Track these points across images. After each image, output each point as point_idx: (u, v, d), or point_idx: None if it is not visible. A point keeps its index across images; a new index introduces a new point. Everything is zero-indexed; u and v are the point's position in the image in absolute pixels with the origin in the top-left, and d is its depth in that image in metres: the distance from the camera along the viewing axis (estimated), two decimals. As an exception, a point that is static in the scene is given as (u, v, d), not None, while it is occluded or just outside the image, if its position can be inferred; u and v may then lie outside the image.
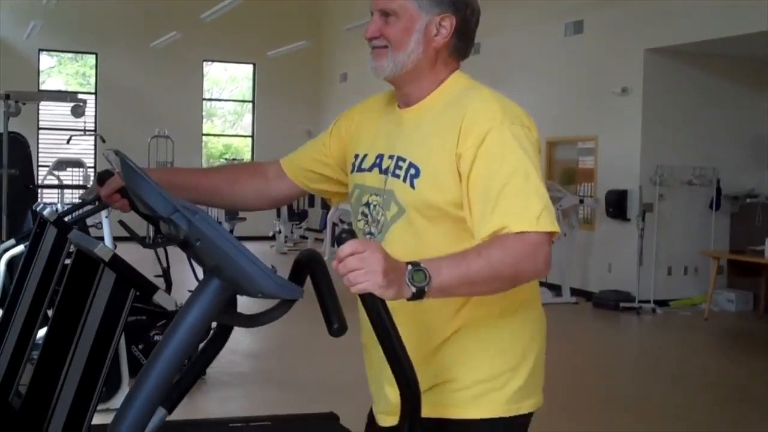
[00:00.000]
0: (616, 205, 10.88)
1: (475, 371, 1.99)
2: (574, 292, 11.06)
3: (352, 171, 2.17)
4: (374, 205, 2.07)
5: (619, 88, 10.82)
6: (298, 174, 2.33)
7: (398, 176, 2.00)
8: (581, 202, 11.31)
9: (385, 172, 2.04)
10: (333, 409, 3.25)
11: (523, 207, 1.81)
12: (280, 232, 16.52)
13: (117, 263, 2.15)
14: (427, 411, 1.79)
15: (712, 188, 10.80)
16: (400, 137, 2.05)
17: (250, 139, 19.94)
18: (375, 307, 1.58)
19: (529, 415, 2.04)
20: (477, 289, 1.78)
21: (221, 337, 1.93)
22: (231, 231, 13.27)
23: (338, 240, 1.58)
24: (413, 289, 1.63)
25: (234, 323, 1.65)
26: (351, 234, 1.60)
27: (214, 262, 1.36)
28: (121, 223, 4.80)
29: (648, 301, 10.41)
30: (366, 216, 2.09)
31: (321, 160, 2.29)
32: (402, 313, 1.90)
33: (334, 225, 14.18)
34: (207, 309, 1.38)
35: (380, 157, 2.08)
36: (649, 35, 10.49)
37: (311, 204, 17.03)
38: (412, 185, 1.97)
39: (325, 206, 15.27)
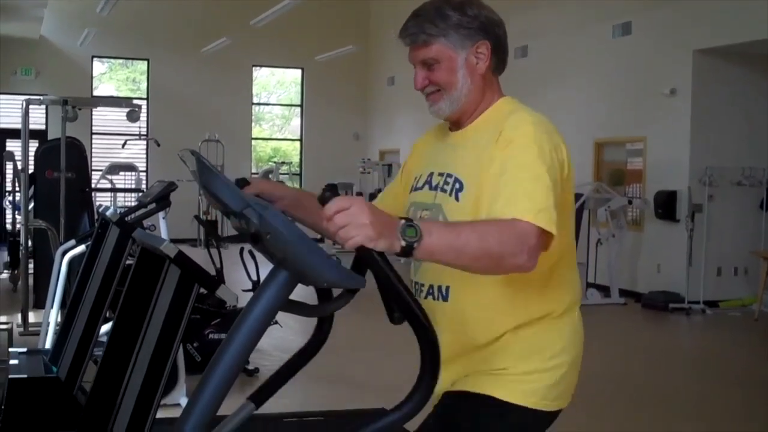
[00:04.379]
0: (665, 206, 10.83)
1: (512, 363, 2.13)
2: (623, 293, 11.02)
3: (410, 192, 2.33)
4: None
5: (667, 89, 10.77)
6: (387, 209, 2.45)
7: (446, 191, 2.16)
8: (630, 203, 11.27)
9: (435, 188, 2.20)
10: (383, 405, 3.31)
11: (527, 199, 1.89)
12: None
13: (182, 259, 2.26)
14: (464, 386, 2.11)
15: (762, 189, 10.71)
16: (449, 156, 2.22)
17: (298, 143, 20.13)
18: (371, 258, 1.57)
19: (556, 413, 2.18)
20: (462, 260, 1.77)
21: (320, 337, 2.00)
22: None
23: (322, 199, 1.58)
24: (403, 243, 1.64)
25: (300, 313, 1.73)
26: (334, 191, 1.60)
27: (282, 254, 1.44)
28: (197, 217, 5.10)
29: (698, 302, 10.35)
30: None
31: (399, 193, 2.44)
32: (445, 321, 2.08)
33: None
34: (275, 299, 1.47)
35: (431, 174, 2.24)
36: (697, 36, 10.44)
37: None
38: (456, 198, 2.13)
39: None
